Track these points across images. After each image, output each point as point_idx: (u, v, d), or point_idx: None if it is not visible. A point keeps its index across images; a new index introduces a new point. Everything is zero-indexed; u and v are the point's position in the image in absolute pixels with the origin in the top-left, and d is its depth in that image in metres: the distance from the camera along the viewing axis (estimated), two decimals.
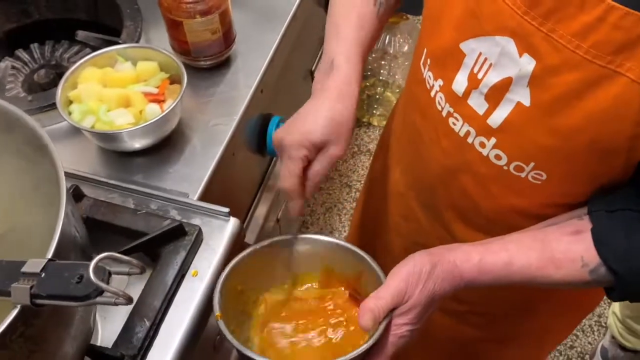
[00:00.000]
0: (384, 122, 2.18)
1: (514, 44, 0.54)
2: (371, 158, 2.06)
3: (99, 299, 0.42)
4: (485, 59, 0.57)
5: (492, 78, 0.57)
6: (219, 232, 0.76)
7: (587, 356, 1.66)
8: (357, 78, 0.68)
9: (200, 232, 0.74)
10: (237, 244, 0.77)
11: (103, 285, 0.40)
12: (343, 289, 0.69)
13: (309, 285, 0.70)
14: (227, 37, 0.95)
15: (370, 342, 0.57)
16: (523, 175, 0.60)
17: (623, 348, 1.53)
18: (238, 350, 0.57)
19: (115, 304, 0.43)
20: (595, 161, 0.55)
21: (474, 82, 0.59)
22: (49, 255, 0.44)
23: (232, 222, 0.77)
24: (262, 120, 0.72)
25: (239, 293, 0.67)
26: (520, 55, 0.54)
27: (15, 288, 0.42)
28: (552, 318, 0.83)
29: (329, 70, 0.68)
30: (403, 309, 0.59)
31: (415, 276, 0.58)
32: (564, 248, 0.57)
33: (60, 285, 0.41)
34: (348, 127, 0.65)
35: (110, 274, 0.43)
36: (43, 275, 0.42)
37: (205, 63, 0.96)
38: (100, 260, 0.41)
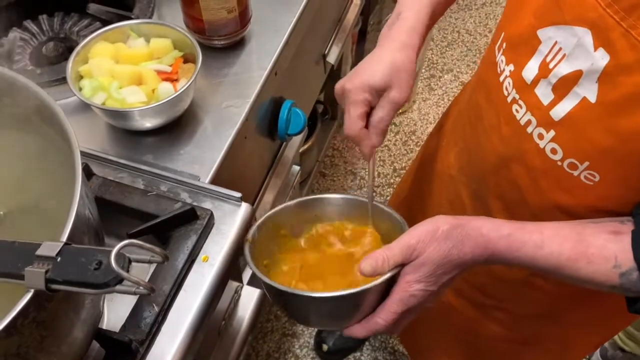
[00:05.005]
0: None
1: (590, 37, 0.53)
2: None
3: (118, 287, 0.40)
4: (560, 49, 0.56)
5: (563, 69, 0.56)
6: (230, 217, 0.75)
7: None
8: (421, 31, 0.69)
9: (212, 216, 0.73)
10: (247, 230, 0.76)
11: (124, 273, 0.39)
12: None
13: (352, 240, 0.72)
14: (243, 17, 0.92)
15: (362, 288, 0.57)
16: (576, 173, 0.59)
17: (622, 349, 1.53)
18: (256, 276, 0.62)
19: (135, 294, 0.41)
20: None
21: (544, 70, 0.58)
22: (64, 238, 0.42)
23: (244, 208, 0.76)
24: (274, 104, 0.71)
25: (282, 236, 0.71)
26: (596, 49, 0.52)
27: (29, 272, 0.40)
28: (577, 329, 0.82)
29: (395, 20, 0.69)
30: (413, 265, 0.58)
31: (429, 234, 0.58)
32: (600, 244, 0.55)
33: (77, 270, 0.40)
34: (408, 74, 0.66)
35: (130, 261, 0.41)
36: (59, 259, 0.40)
37: (220, 43, 0.93)
38: (123, 247, 0.39)
